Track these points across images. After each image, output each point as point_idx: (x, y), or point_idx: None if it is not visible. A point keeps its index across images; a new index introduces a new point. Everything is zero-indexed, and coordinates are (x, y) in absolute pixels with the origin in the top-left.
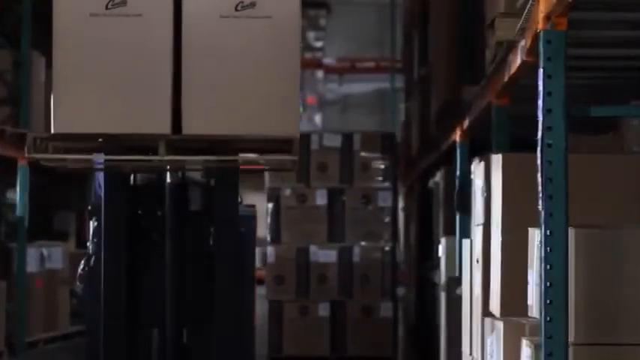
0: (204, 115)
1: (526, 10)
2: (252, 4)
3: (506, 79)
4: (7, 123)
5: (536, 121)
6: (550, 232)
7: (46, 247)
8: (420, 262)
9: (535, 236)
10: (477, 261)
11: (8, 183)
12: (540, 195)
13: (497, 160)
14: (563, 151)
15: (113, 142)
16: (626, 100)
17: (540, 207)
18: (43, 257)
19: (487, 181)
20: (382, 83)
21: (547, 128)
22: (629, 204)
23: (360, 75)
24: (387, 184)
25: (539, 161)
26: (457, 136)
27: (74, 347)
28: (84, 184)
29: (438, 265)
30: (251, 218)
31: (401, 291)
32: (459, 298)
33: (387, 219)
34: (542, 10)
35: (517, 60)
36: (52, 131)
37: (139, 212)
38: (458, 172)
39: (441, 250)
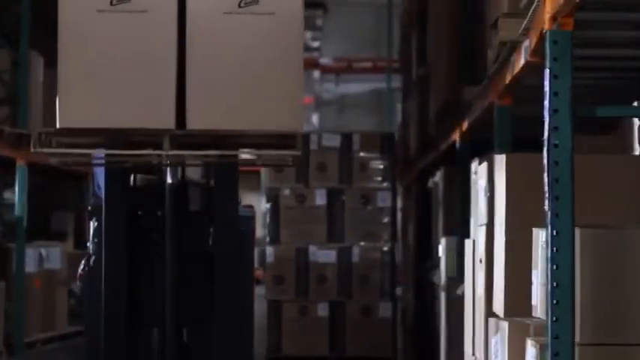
0: (208, 110)
1: (531, 11)
2: (256, 1)
3: (509, 79)
4: (5, 123)
5: (539, 122)
6: (556, 233)
7: (44, 247)
8: (418, 262)
9: (539, 236)
10: (480, 261)
11: (6, 183)
12: (546, 195)
13: (500, 160)
14: (570, 151)
15: (118, 137)
16: (630, 100)
17: (546, 207)
18: (41, 257)
19: (490, 181)
20: (379, 83)
21: (553, 128)
22: (631, 204)
23: (356, 75)
24: (386, 184)
25: (545, 162)
26: (457, 136)
27: (72, 347)
28: (82, 185)
29: (437, 265)
30: (250, 219)
31: (399, 291)
32: (460, 298)
33: (386, 219)
34: (548, 10)
35: (521, 60)
36: (58, 126)
37: (139, 212)
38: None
39: (441, 250)
